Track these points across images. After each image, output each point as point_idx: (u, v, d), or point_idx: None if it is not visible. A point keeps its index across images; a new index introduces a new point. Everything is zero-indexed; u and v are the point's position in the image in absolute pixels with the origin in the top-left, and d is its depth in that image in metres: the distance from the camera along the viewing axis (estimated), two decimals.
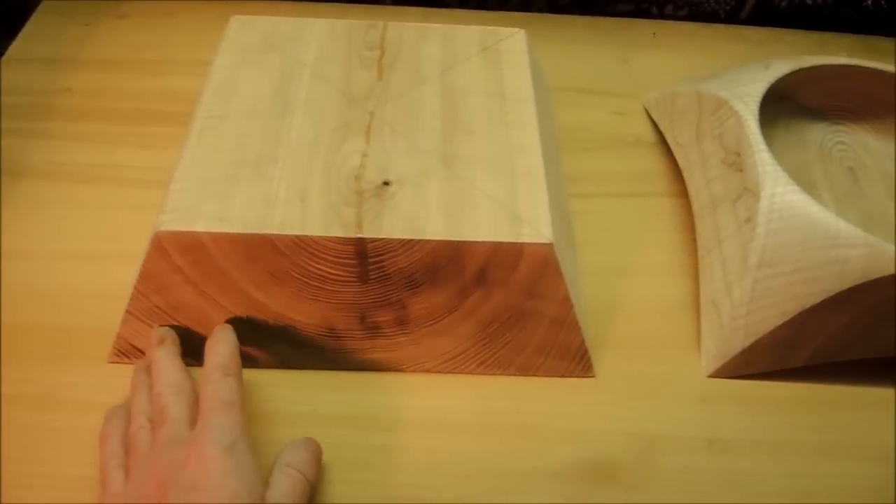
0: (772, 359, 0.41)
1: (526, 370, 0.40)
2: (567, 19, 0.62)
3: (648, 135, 0.53)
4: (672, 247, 0.46)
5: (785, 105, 0.51)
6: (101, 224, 0.46)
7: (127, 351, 0.40)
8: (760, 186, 0.42)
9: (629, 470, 0.37)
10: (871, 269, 0.39)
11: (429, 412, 0.39)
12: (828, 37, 0.63)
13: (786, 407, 0.40)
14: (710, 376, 0.41)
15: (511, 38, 0.48)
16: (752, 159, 0.43)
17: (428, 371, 0.40)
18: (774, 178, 0.42)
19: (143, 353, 0.39)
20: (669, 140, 0.52)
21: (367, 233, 0.37)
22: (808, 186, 0.49)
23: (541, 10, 0.64)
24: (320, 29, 0.48)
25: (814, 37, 0.63)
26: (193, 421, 0.34)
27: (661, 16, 0.64)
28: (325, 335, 0.39)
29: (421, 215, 0.38)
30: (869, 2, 0.64)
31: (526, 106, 0.44)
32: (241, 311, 0.39)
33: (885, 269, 0.39)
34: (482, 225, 0.38)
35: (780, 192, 0.42)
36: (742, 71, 0.50)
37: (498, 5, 0.64)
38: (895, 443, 0.39)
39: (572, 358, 0.40)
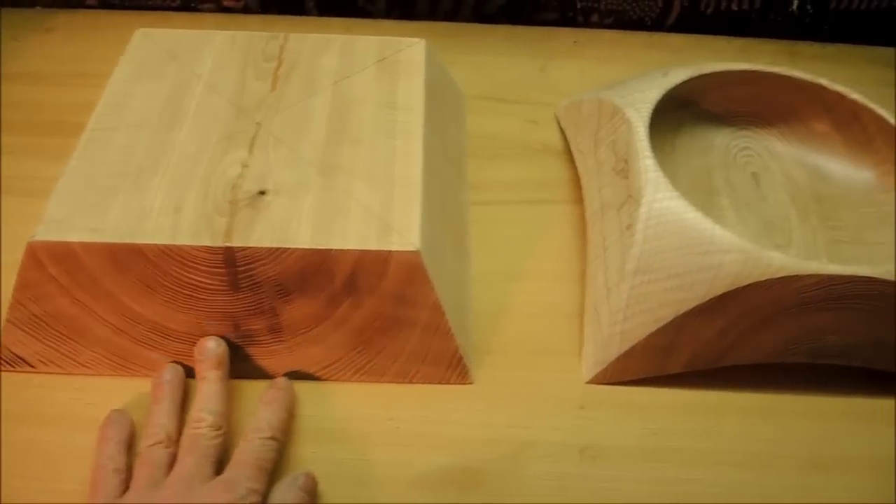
0: (649, 365, 0.41)
1: (402, 377, 0.41)
2: (489, 29, 0.62)
3: (557, 143, 0.53)
4: (567, 253, 0.47)
5: (690, 111, 0.52)
6: (6, 235, 0.47)
7: (10, 360, 0.40)
8: (641, 193, 0.43)
9: (496, 476, 0.37)
10: (744, 275, 0.39)
11: (301, 420, 0.39)
12: (752, 43, 0.63)
13: (661, 414, 0.40)
14: (589, 383, 0.41)
15: (410, 48, 0.49)
16: (637, 166, 0.44)
17: (304, 379, 0.40)
18: (655, 185, 0.42)
19: (26, 361, 0.40)
20: (572, 147, 0.52)
21: (236, 242, 0.38)
22: (708, 193, 0.49)
23: (468, 20, 0.64)
24: (220, 41, 0.49)
25: (737, 43, 0.63)
26: (219, 460, 0.35)
27: (587, 24, 0.65)
28: None
29: (292, 224, 0.38)
30: (794, 8, 0.64)
31: (414, 115, 0.44)
32: (117, 321, 0.39)
33: (758, 276, 0.39)
34: (351, 233, 0.38)
35: (659, 198, 0.42)
36: (642, 78, 0.50)
37: (426, 15, 0.64)
38: (769, 449, 0.39)
39: (448, 365, 0.40)
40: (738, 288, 0.39)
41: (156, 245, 0.37)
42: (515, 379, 0.41)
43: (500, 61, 0.59)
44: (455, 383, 0.41)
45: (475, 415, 0.40)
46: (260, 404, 0.37)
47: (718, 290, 0.39)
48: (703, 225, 0.40)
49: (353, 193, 0.40)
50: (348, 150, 0.42)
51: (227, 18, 0.61)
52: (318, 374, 0.40)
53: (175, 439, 0.36)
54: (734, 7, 0.64)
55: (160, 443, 0.35)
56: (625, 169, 0.45)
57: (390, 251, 0.38)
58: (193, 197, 0.39)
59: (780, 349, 0.41)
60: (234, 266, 0.38)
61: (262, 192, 0.40)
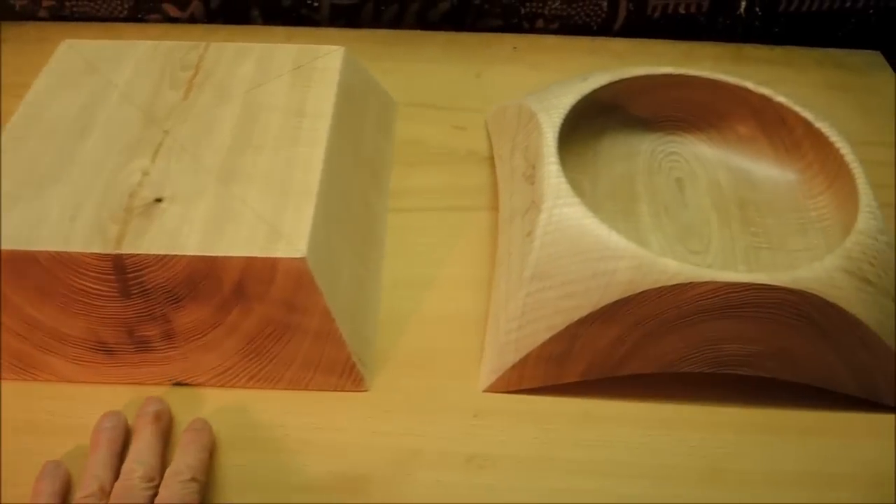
0: (545, 374, 0.41)
1: (297, 384, 0.41)
2: (430, 35, 0.62)
3: (483, 149, 0.53)
4: (481, 260, 0.46)
5: (615, 117, 0.51)
6: None
7: None
8: (543, 199, 0.42)
9: (381, 484, 0.37)
10: (637, 281, 0.38)
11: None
12: (697, 46, 0.62)
13: (557, 423, 0.40)
14: (486, 391, 0.41)
15: (328, 56, 0.49)
16: (542, 172, 0.43)
17: (201, 385, 0.41)
18: (556, 191, 0.42)
19: None
20: (494, 154, 0.52)
21: (126, 249, 0.38)
22: (628, 199, 0.49)
23: (412, 27, 0.64)
24: (142, 51, 0.49)
25: (682, 47, 0.62)
26: None
27: (532, 30, 0.64)
28: (97, 349, 0.40)
29: (183, 231, 0.39)
30: (742, 10, 0.63)
31: (321, 123, 0.44)
32: (17, 327, 0.40)
33: (651, 282, 0.38)
34: (239, 240, 0.38)
35: (559, 204, 0.41)
36: (563, 84, 0.50)
37: (371, 23, 0.64)
38: (665, 461, 0.39)
39: (341, 372, 0.40)
40: (631, 295, 0.38)
41: (48, 252, 0.38)
42: (413, 387, 0.41)
43: (437, 68, 0.59)
44: (350, 391, 0.41)
45: (367, 422, 0.39)
46: (178, 447, 0.37)
47: (612, 297, 0.39)
48: (599, 231, 0.40)
49: (248, 201, 0.40)
50: (249, 157, 0.43)
51: (172, 29, 0.62)
52: (212, 381, 0.40)
53: (108, 490, 0.36)
54: (682, 10, 0.63)
55: (93, 495, 0.35)
56: (532, 175, 0.44)
57: (277, 258, 0.38)
58: (91, 205, 0.40)
59: (678, 358, 0.40)
60: (124, 273, 0.38)
61: (158, 200, 0.40)
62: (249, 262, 0.38)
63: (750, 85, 0.49)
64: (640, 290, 0.38)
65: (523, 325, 0.40)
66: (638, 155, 0.51)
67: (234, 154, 0.43)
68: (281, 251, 0.38)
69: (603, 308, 0.39)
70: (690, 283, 0.38)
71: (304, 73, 0.48)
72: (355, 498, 0.37)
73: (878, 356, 0.40)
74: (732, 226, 0.47)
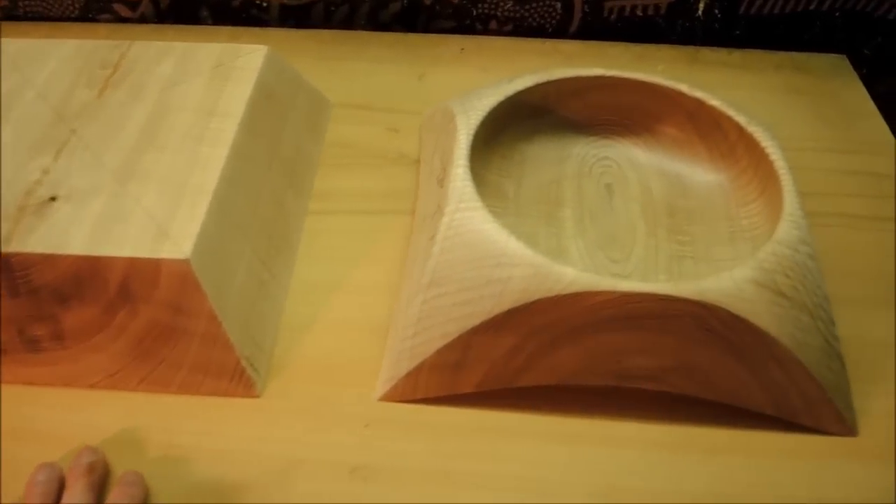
0: (440, 383, 0.39)
1: (188, 389, 0.40)
2: (376, 36, 0.61)
3: (414, 152, 0.51)
4: (394, 265, 0.45)
5: (546, 120, 0.49)
6: None
7: None
8: (447, 202, 0.41)
9: (260, 493, 0.36)
10: (532, 289, 0.37)
11: (74, 427, 0.38)
12: (651, 49, 0.60)
13: (450, 434, 0.38)
14: (380, 400, 0.40)
15: (249, 55, 0.48)
16: (450, 174, 0.42)
17: (93, 387, 0.40)
18: (459, 195, 0.40)
19: None
20: (421, 157, 0.50)
21: (14, 247, 0.37)
22: (553, 204, 0.47)
23: (363, 28, 0.64)
24: (66, 50, 0.49)
25: (636, 49, 0.60)
26: None
27: (486, 31, 0.63)
28: None
29: (72, 231, 0.38)
30: (700, 13, 0.61)
31: (230, 122, 0.44)
32: None
33: (546, 291, 0.37)
34: (126, 240, 0.37)
35: (461, 208, 0.40)
36: (490, 86, 0.48)
37: (321, 23, 0.64)
38: (559, 477, 0.37)
39: (231, 377, 0.39)
40: (525, 304, 0.37)
41: None
42: (307, 393, 0.40)
43: (380, 69, 0.58)
44: (241, 396, 0.40)
45: (254, 429, 0.38)
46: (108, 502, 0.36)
47: (505, 305, 0.37)
48: (498, 237, 0.38)
49: (142, 200, 0.39)
50: (151, 156, 0.42)
51: (119, 29, 0.62)
52: (103, 384, 0.40)
53: None
54: (639, 13, 0.62)
55: None
56: (443, 178, 0.43)
57: (160, 259, 0.37)
58: None
59: (578, 370, 0.38)
60: (11, 272, 0.38)
61: (53, 199, 0.40)
62: (133, 262, 0.37)
63: (684, 88, 0.47)
64: (534, 298, 0.37)
65: (418, 333, 0.39)
66: (569, 159, 0.49)
67: (137, 153, 0.42)
68: (165, 252, 0.37)
69: (496, 317, 0.37)
70: (587, 291, 0.36)
71: (223, 72, 0.47)
72: None
73: (793, 374, 0.38)
74: (659, 233, 0.45)
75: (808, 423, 0.39)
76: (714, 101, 0.46)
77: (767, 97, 0.56)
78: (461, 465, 0.37)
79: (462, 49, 0.60)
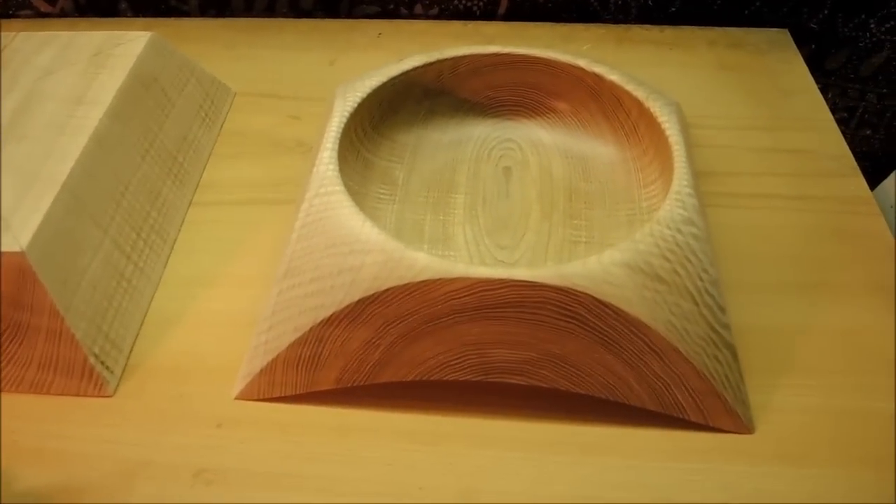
0: (297, 380, 0.37)
1: (39, 388, 0.38)
2: (292, 23, 0.59)
3: (313, 140, 0.49)
4: (274, 257, 0.43)
5: (443, 101, 0.47)
6: None
7: None
8: (308, 188, 0.38)
9: (98, 497, 0.34)
10: (383, 277, 0.34)
11: None
12: (579, 28, 0.57)
13: (307, 435, 0.36)
14: (237, 398, 0.37)
15: (131, 42, 0.46)
16: (316, 159, 0.40)
17: None
18: (321, 179, 0.38)
19: None
20: (315, 144, 0.48)
21: None
22: (445, 190, 0.44)
23: (285, 15, 0.61)
24: None
25: (562, 29, 0.57)
26: None
27: (411, 16, 0.61)
28: None
29: None
30: None
31: (95, 111, 0.42)
32: None
33: (398, 279, 0.34)
34: None
35: (321, 193, 0.38)
36: (381, 67, 0.46)
37: (242, 12, 0.62)
38: (419, 480, 0.34)
39: (80, 376, 0.37)
40: (376, 293, 0.34)
41: None
42: (162, 393, 0.38)
43: (290, 56, 0.56)
44: (92, 396, 0.38)
45: (103, 430, 0.36)
46: None
47: (356, 295, 0.35)
48: (353, 222, 0.36)
49: None
50: (11, 147, 0.40)
51: (37, 23, 0.61)
52: None
53: None
54: None
55: None
56: (313, 163, 0.41)
57: None
58: None
59: (439, 365, 0.36)
60: None
61: None
62: None
63: (582, 63, 0.44)
64: (386, 287, 0.34)
65: (273, 326, 0.37)
66: (468, 142, 0.47)
67: None
68: (4, 245, 0.35)
69: (348, 307, 0.35)
70: (439, 279, 0.33)
71: (100, 60, 0.45)
72: None
73: (673, 365, 0.35)
74: (554, 218, 0.43)
75: (696, 420, 0.36)
76: (613, 76, 0.43)
77: (697, 74, 0.53)
78: (313, 467, 0.35)
79: (379, 34, 0.57)
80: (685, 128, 0.42)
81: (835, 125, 0.50)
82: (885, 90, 0.64)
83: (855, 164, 0.48)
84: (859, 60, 0.61)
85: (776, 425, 0.36)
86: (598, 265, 0.34)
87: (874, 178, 0.63)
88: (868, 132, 0.67)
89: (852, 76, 0.62)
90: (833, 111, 0.52)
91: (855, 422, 0.36)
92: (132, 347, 0.39)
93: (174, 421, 0.37)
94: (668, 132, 0.40)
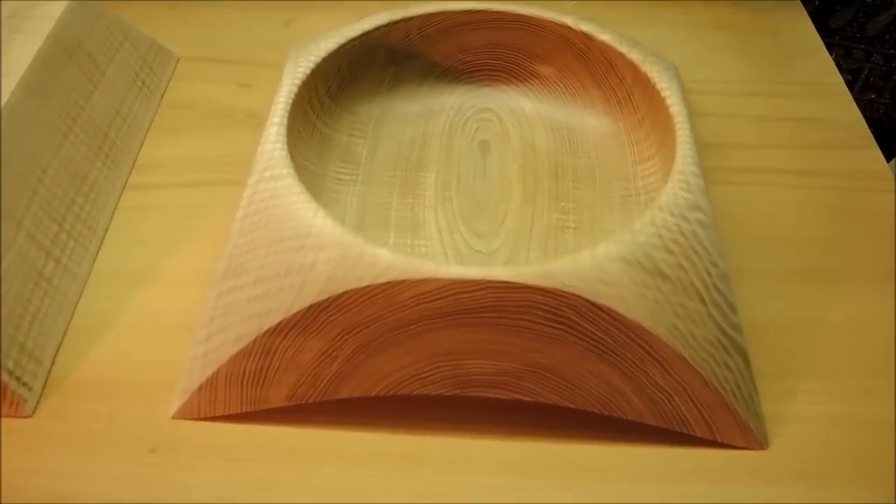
0: (242, 397, 0.32)
1: None
2: None
3: (264, 110, 0.44)
4: (221, 249, 0.38)
5: (412, 66, 0.41)
6: None
7: None
8: (252, 172, 0.33)
9: None
10: (339, 279, 0.29)
11: None
12: None
13: (251, 460, 0.31)
14: (174, 418, 0.32)
15: (51, 2, 0.40)
16: (262, 137, 0.34)
17: None
18: (266, 161, 0.33)
19: None
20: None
21: None
22: (414, 168, 0.39)
23: None
24: None
25: None
26: None
27: None
28: None
29: None
30: None
31: (6, 84, 0.36)
32: None
33: (356, 280, 0.29)
34: None
35: (265, 177, 0.32)
36: (340, 27, 0.40)
37: None
38: None
39: None
40: (331, 297, 0.29)
41: None
42: (89, 412, 0.32)
43: (242, 16, 0.50)
44: (9, 416, 0.33)
45: (20, 457, 0.31)
46: None
47: (307, 299, 0.29)
48: (303, 212, 0.30)
49: None
50: None
51: None
52: None
53: None
54: None
55: None
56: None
57: None
58: None
59: (409, 378, 0.31)
60: None
61: None
62: None
63: (569, 20, 0.39)
64: (342, 289, 0.29)
65: (212, 336, 0.32)
66: (440, 113, 0.41)
67: None
68: None
69: (298, 314, 0.30)
70: (405, 280, 0.28)
71: (14, 23, 0.39)
72: None
73: (677, 375, 0.30)
74: (538, 200, 0.38)
75: (703, 435, 0.31)
76: (604, 36, 0.38)
77: (693, 34, 0.48)
78: (262, 497, 0.30)
79: None
80: (685, 95, 0.37)
81: (846, 89, 0.46)
82: (892, 51, 0.59)
83: (869, 133, 0.44)
84: (866, 18, 0.56)
85: (793, 439, 0.31)
86: (590, 261, 0.29)
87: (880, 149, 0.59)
88: (873, 96, 0.62)
89: (858, 35, 0.58)
90: None
91: (881, 433, 0.31)
92: (54, 359, 0.34)
93: (101, 446, 0.31)
94: (668, 100, 0.35)
